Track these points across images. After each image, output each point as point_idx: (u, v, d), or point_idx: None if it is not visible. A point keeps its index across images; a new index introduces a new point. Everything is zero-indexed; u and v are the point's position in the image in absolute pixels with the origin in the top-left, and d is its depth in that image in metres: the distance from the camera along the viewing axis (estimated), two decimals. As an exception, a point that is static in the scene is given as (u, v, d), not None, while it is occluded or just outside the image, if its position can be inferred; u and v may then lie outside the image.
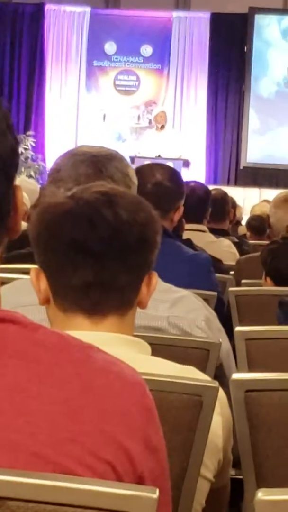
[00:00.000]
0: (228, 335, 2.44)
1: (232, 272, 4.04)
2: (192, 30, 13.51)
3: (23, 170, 12.33)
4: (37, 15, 13.61)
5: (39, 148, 13.32)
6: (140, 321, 1.94)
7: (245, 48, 13.36)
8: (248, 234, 6.89)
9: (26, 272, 1.91)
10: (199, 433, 1.56)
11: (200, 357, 2.00)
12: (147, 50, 13.56)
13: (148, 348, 1.58)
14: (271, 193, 8.33)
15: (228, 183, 12.98)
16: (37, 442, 0.98)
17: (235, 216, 6.81)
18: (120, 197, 1.55)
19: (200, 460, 1.57)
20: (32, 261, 1.61)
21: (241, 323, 3.03)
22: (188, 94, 13.56)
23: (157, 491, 0.97)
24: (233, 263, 4.40)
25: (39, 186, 6.30)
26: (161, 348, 1.79)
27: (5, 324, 1.04)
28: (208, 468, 1.63)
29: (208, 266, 2.91)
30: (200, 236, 4.11)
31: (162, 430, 1.12)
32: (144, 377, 1.13)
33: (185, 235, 3.48)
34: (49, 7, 13.63)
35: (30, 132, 13.25)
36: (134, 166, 2.28)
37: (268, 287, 3.28)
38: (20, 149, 11.70)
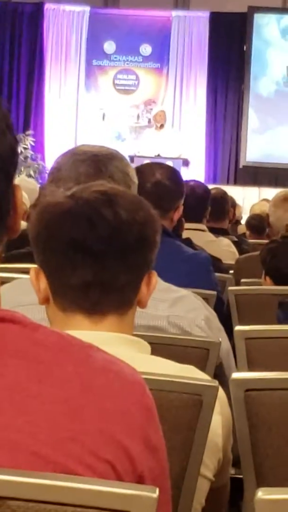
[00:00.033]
0: (227, 335, 2.44)
1: (231, 271, 4.04)
2: (191, 29, 13.50)
3: (22, 169, 12.33)
4: (37, 14, 13.61)
5: (38, 147, 13.31)
6: (140, 321, 1.94)
7: (245, 47, 13.35)
8: (247, 233, 6.90)
9: (25, 271, 1.92)
10: (199, 432, 1.55)
11: (200, 357, 2.00)
12: (146, 49, 13.55)
13: (148, 348, 1.58)
14: (271, 192, 8.33)
15: (227, 182, 12.97)
16: (37, 442, 0.98)
17: (235, 215, 6.82)
18: (119, 196, 1.55)
19: (200, 459, 1.57)
20: (31, 261, 1.61)
21: (241, 322, 3.03)
22: (187, 93, 13.55)
23: (157, 490, 0.97)
24: (233, 262, 4.39)
25: (38, 185, 6.30)
26: (161, 347, 1.79)
27: (5, 324, 1.04)
28: (208, 467, 1.63)
29: (208, 265, 2.91)
30: (199, 235, 4.11)
31: (162, 429, 1.12)
32: (144, 376, 1.13)
33: (185, 234, 3.48)
34: (48, 7, 13.63)
35: (30, 132, 13.25)
36: (133, 166, 2.28)
37: (268, 286, 3.28)
38: (20, 149, 11.77)
